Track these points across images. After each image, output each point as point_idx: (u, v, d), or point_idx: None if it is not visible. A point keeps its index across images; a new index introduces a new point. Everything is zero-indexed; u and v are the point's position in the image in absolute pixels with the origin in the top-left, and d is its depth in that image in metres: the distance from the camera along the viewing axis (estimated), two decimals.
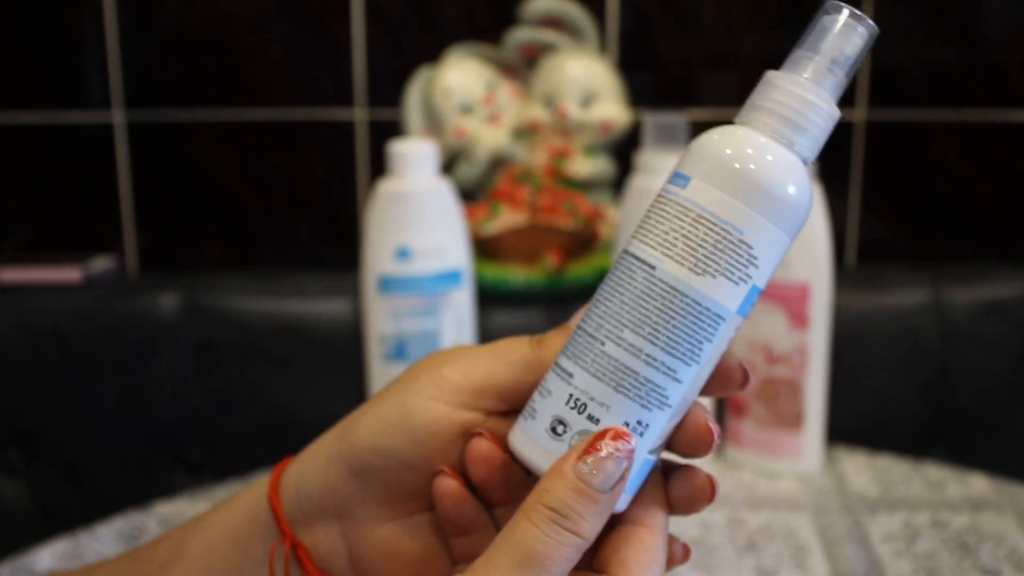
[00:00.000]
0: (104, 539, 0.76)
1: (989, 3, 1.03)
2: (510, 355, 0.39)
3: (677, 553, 0.39)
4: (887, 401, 0.98)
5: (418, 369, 0.39)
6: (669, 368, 0.35)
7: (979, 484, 0.84)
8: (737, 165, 0.34)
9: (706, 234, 0.34)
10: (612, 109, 1.00)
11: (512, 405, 0.39)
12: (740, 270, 0.34)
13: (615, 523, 0.36)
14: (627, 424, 0.35)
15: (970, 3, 1.03)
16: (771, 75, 0.36)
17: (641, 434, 0.35)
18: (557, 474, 0.34)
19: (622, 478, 0.34)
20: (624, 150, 1.02)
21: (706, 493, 0.37)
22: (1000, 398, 0.98)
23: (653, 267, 0.34)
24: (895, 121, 1.05)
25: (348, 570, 0.40)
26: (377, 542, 0.39)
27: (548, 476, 0.34)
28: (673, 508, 0.37)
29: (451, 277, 0.85)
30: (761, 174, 0.34)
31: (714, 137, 0.35)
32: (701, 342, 0.35)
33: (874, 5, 1.02)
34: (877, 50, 1.04)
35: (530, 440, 0.36)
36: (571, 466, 0.34)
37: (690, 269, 0.34)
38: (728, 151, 0.34)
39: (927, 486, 0.84)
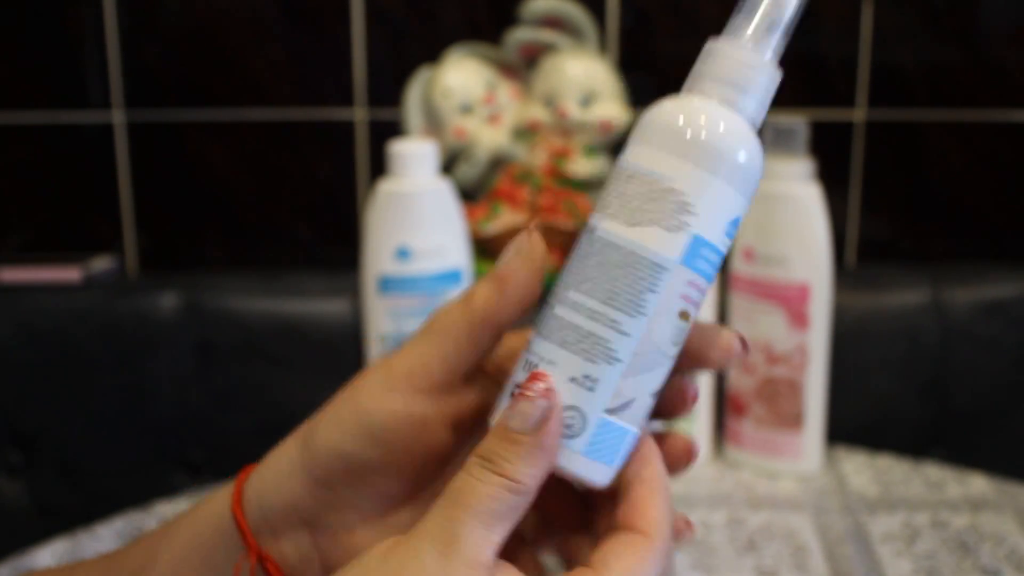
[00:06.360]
0: (104, 539, 0.76)
1: (989, 3, 1.03)
2: (445, 326, 0.38)
3: (680, 527, 0.38)
4: (887, 401, 0.98)
5: (370, 369, 0.39)
6: (612, 320, 0.35)
7: (979, 484, 0.83)
8: (685, 128, 0.36)
9: (637, 187, 0.35)
10: (612, 109, 1.00)
11: (466, 379, 0.38)
12: (673, 217, 0.35)
13: (614, 525, 0.36)
14: (573, 379, 0.35)
15: (970, 3, 1.03)
16: (713, 44, 0.37)
17: (591, 388, 0.35)
18: (491, 427, 0.35)
19: (545, 419, 0.34)
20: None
21: (684, 457, 0.37)
22: (1000, 398, 0.98)
23: (594, 228, 0.36)
24: (895, 121, 1.05)
25: None
26: (351, 549, 0.38)
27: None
28: None
29: (451, 277, 0.85)
30: (711, 135, 0.35)
31: (664, 107, 0.37)
32: (642, 292, 0.35)
33: (874, 5, 1.02)
34: (877, 50, 1.05)
35: (498, 411, 0.36)
36: (497, 415, 0.35)
37: (623, 222, 0.35)
38: (673, 117, 0.36)
39: (927, 486, 0.84)
